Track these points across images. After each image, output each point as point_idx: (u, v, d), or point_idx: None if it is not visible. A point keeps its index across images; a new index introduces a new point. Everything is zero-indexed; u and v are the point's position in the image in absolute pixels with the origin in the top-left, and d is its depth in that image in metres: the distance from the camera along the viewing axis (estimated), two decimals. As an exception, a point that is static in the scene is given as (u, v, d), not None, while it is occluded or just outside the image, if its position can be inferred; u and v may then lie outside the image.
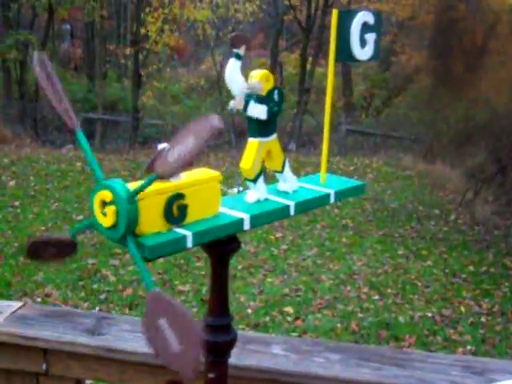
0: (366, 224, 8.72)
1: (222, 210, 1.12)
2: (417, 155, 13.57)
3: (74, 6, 18.90)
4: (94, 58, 21.99)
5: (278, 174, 1.25)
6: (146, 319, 0.83)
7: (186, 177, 1.04)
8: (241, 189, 1.18)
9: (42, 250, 0.97)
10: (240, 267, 6.90)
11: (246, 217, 1.10)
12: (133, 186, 0.97)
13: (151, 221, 0.98)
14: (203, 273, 6.75)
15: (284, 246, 7.62)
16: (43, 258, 0.98)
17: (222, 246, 1.13)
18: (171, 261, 6.99)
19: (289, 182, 1.26)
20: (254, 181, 1.18)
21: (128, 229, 0.92)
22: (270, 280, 6.51)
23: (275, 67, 20.11)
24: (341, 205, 9.53)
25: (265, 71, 1.15)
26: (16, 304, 1.65)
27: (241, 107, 1.12)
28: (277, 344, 1.45)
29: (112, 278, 6.50)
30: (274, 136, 1.20)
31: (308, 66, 18.01)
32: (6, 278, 6.41)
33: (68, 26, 28.25)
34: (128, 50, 18.61)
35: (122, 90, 21.61)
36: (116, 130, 19.46)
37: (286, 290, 6.19)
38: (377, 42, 1.37)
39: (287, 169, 1.25)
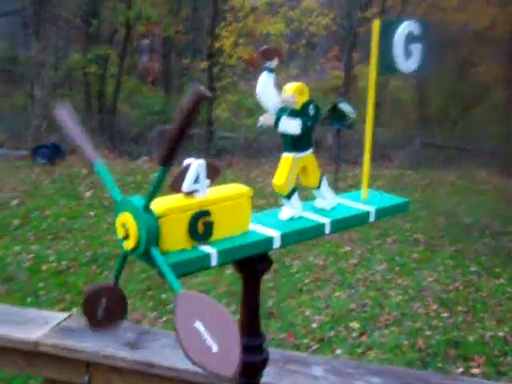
0: (437, 239, 8.49)
1: (253, 226, 1.09)
2: (493, 169, 13.17)
3: (150, 22, 19.35)
4: (170, 71, 22.43)
5: (315, 191, 1.21)
6: (179, 322, 0.80)
7: (212, 193, 1.02)
8: None
9: (95, 305, 0.99)
10: (307, 281, 6.84)
11: (276, 235, 1.07)
12: (154, 203, 0.96)
13: (175, 238, 0.96)
14: (271, 285, 6.72)
15: (353, 260, 7.51)
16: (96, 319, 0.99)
17: (252, 264, 1.10)
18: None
19: (327, 198, 1.21)
20: (288, 197, 1.14)
21: (148, 245, 0.90)
22: (336, 294, 6.41)
23: (349, 80, 20.01)
24: (413, 219, 9.33)
25: (298, 84, 1.12)
26: (62, 315, 1.67)
27: (271, 123, 1.08)
28: (317, 365, 1.41)
29: (180, 289, 6.54)
30: (310, 151, 1.16)
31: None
32: (78, 286, 6.56)
33: (147, 41, 28.93)
34: (203, 64, 18.89)
35: (196, 103, 21.89)
36: (190, 142, 19.74)
37: (353, 305, 6.08)
38: (424, 53, 1.32)
39: (324, 185, 1.20)
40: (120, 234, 0.93)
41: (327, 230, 1.15)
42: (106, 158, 15.87)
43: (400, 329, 5.53)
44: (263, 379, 1.33)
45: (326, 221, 1.14)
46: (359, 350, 5.09)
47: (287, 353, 1.48)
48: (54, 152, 14.21)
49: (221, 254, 0.98)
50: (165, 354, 1.50)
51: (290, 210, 1.15)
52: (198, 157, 1.00)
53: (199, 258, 0.96)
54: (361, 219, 1.22)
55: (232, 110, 22.18)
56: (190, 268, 0.96)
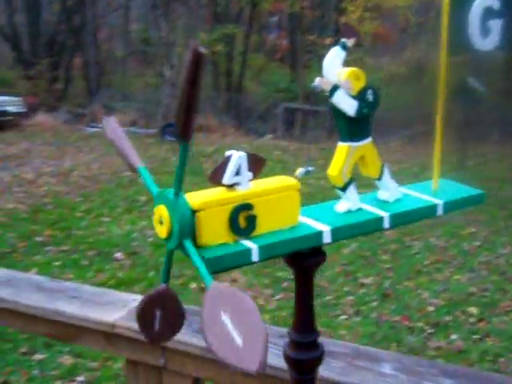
0: None
1: (304, 220, 1.04)
2: None
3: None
4: (296, 48, 22.40)
5: (377, 182, 1.14)
6: (205, 314, 0.78)
7: (256, 186, 0.98)
8: (310, 169, 1.08)
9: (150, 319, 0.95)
10: (426, 262, 6.64)
11: (326, 229, 1.01)
12: (192, 196, 0.94)
13: (215, 232, 0.93)
14: (389, 266, 6.59)
15: (476, 243, 7.21)
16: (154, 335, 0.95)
17: (304, 259, 1.05)
18: (357, 251, 6.92)
19: (389, 190, 1.14)
20: (344, 189, 1.08)
21: (181, 238, 0.89)
22: (456, 277, 6.18)
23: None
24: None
25: (354, 69, 1.05)
26: (141, 297, 1.69)
27: (327, 88, 1.03)
28: (387, 362, 1.34)
29: (295, 267, 6.54)
30: (369, 140, 1.09)
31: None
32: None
33: (276, 18, 29.02)
34: (329, 40, 18.68)
35: (322, 80, 21.77)
36: (316, 119, 19.66)
37: (473, 289, 5.83)
38: (506, 29, 1.20)
39: (386, 176, 1.13)
40: (156, 220, 0.92)
41: (386, 225, 1.08)
42: (232, 135, 16.18)
43: (522, 316, 5.26)
44: (327, 374, 1.29)
45: (385, 214, 1.07)
46: (475, 337, 4.88)
47: (358, 347, 1.43)
48: (181, 130, 14.62)
49: (262, 249, 0.95)
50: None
51: (347, 202, 1.09)
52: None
53: (238, 253, 0.93)
54: (426, 213, 1.13)
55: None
56: (228, 264, 0.93)
